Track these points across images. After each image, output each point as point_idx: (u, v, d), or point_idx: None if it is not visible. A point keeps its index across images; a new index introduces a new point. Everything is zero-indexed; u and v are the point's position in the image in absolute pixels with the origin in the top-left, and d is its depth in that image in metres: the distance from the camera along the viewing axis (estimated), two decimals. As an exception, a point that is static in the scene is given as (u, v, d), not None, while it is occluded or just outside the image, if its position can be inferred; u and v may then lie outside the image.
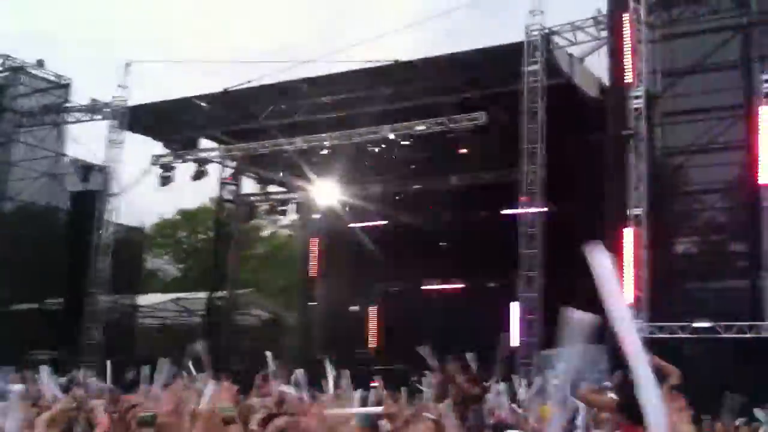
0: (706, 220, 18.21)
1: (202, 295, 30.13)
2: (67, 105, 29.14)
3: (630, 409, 4.23)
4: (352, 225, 27.93)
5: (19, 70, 28.95)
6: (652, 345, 16.28)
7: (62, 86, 29.46)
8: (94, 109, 28.27)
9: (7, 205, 28.79)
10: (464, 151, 24.39)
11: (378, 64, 23.01)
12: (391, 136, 22.93)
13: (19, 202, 28.93)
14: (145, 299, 30.79)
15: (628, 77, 18.09)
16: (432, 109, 22.82)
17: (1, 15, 58.92)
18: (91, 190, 27.95)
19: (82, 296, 25.76)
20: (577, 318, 2.25)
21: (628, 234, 16.94)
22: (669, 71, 18.42)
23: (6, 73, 29.11)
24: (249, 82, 24.63)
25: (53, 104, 29.26)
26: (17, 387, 5.21)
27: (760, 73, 16.97)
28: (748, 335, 15.58)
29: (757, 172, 16.32)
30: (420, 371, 11.93)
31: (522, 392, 11.01)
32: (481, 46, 21.61)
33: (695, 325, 15.99)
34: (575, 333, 2.33)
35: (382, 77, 23.29)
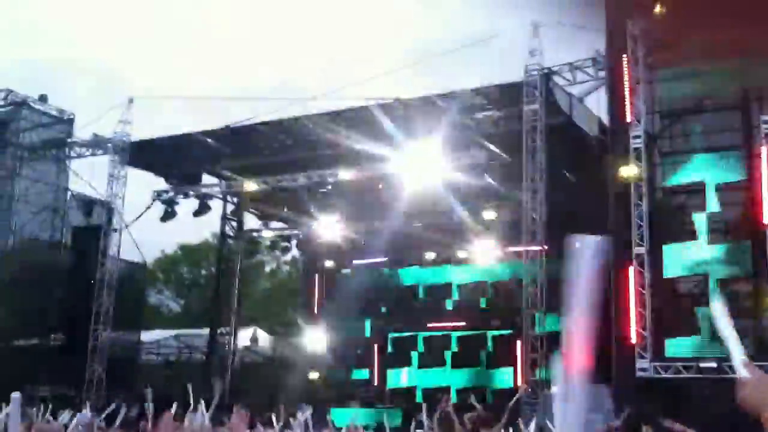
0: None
1: (204, 331, 30.08)
2: (70, 140, 29.29)
3: None
4: (356, 261, 27.96)
5: (21, 104, 29.14)
6: (658, 384, 16.31)
7: (65, 121, 29.64)
8: (96, 143, 28.38)
9: (10, 239, 28.82)
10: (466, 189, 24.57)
11: (380, 101, 23.23)
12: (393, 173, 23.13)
13: (21, 237, 28.97)
14: (147, 335, 30.70)
15: (627, 117, 18.28)
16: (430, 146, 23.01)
17: (3, 48, 59.42)
18: (93, 225, 28.00)
19: (85, 332, 25.69)
20: (584, 241, 2.39)
21: (632, 273, 17.00)
22: (667, 111, 18.58)
23: (8, 108, 29.28)
24: (250, 118, 24.91)
25: (56, 139, 29.41)
26: (17, 394, 5.22)
27: (758, 113, 17.11)
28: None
29: (759, 212, 16.42)
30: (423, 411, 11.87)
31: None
32: (479, 85, 21.87)
33: (702, 365, 15.97)
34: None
35: (384, 114, 23.48)
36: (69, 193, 29.59)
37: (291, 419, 10.42)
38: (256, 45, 72.41)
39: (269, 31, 72.35)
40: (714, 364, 15.82)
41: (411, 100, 22.89)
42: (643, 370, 16.17)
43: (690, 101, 18.23)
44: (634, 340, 16.71)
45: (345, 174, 24.20)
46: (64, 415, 11.77)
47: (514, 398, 10.21)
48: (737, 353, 2.43)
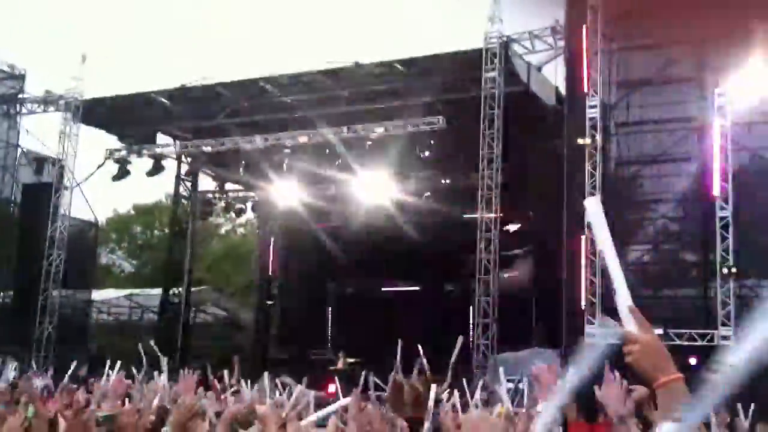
0: (659, 229, 18.61)
1: (157, 291, 29.92)
2: (21, 96, 28.68)
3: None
4: (311, 225, 27.93)
5: (-30, 59, 28.42)
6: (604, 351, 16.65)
7: (17, 77, 28.99)
8: (48, 100, 27.87)
9: (-43, 196, 28.26)
10: (425, 154, 24.70)
11: (339, 65, 23.13)
12: (349, 137, 23.09)
13: (-30, 194, 28.41)
14: (98, 294, 30.43)
15: (585, 87, 18.45)
16: (391, 111, 23.05)
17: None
18: (44, 182, 27.56)
19: (34, 290, 25.38)
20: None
21: (584, 241, 17.27)
22: (624, 83, 18.78)
23: (-43, 63, 28.56)
24: (206, 78, 24.63)
25: (7, 95, 28.76)
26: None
27: (713, 86, 17.38)
28: (699, 343, 15.99)
29: (709, 184, 16.76)
30: (376, 372, 11.98)
31: (477, 395, 11.13)
32: (440, 51, 21.88)
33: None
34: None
35: (342, 78, 23.40)
36: (19, 149, 29.02)
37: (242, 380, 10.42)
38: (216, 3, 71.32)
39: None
40: (660, 331, 16.20)
41: (370, 65, 22.79)
42: (591, 335, 16.50)
43: (647, 73, 18.44)
44: (583, 306, 17.05)
45: (302, 137, 24.10)
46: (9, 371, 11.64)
47: (453, 354, 10.34)
48: (622, 295, 2.25)
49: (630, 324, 2.24)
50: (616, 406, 3.55)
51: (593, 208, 2.41)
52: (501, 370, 7.94)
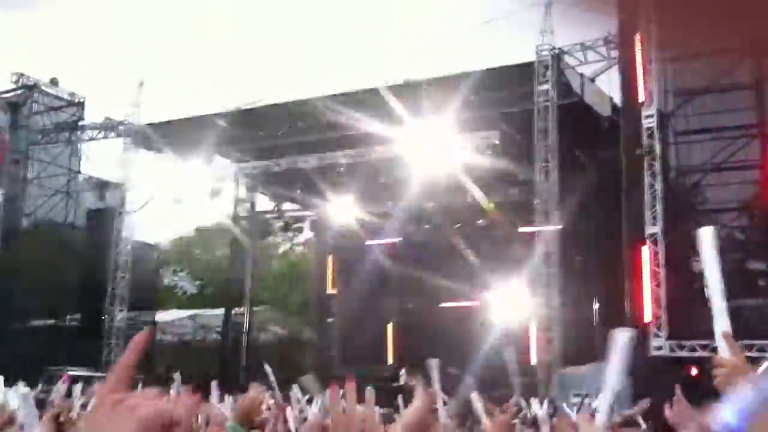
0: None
1: (219, 311, 30.30)
2: (81, 123, 29.43)
3: None
4: (368, 242, 28.02)
5: (33, 88, 29.30)
6: (673, 363, 16.35)
7: (76, 104, 29.79)
8: (107, 127, 28.57)
9: (24, 222, 29.07)
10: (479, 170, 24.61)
11: (391, 83, 23.24)
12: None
13: (36, 220, 29.21)
14: (162, 316, 30.93)
15: (640, 97, 18.25)
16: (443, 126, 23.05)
17: (16, 33, 59.58)
18: (106, 207, 28.22)
19: (99, 313, 25.94)
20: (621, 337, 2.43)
21: (645, 252, 17.04)
22: (680, 91, 18.53)
23: (20, 91, 29.46)
24: (261, 100, 25.03)
25: (67, 122, 29.57)
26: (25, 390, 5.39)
27: (772, 92, 17.07)
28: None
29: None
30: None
31: (540, 412, 11.05)
32: (492, 66, 21.85)
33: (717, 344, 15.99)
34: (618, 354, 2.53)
35: (395, 95, 23.49)
36: (81, 176, 29.78)
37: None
38: (267, 27, 72.32)
39: (281, 15, 72.21)
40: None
41: (422, 81, 22.87)
42: (658, 348, 16.23)
43: (703, 81, 18.17)
44: (648, 318, 16.76)
45: (357, 156, 24.25)
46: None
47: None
48: (720, 321, 2.44)
49: (723, 349, 2.43)
50: (689, 426, 3.51)
51: (707, 238, 2.51)
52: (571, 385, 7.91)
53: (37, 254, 27.90)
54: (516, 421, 9.70)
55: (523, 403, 10.99)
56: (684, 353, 16.20)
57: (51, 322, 27.43)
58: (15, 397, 5.59)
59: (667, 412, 3.61)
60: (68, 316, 27.48)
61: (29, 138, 29.22)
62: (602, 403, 2.74)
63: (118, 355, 25.16)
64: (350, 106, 24.35)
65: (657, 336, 16.63)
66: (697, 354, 16.11)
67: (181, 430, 1.32)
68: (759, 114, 17.41)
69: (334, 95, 24.14)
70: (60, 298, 27.16)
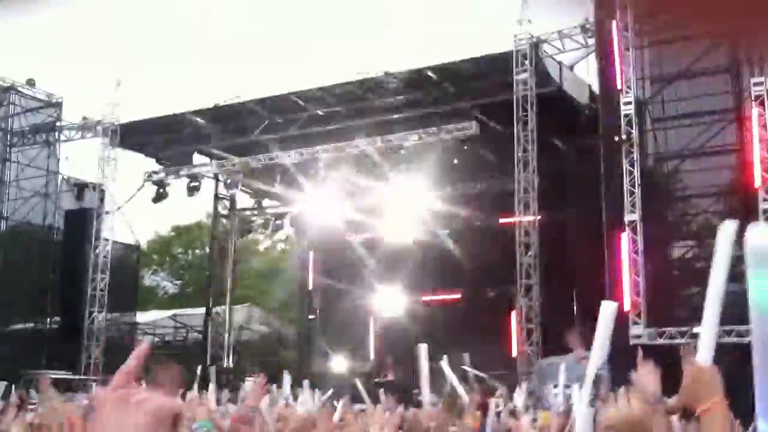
0: (702, 224, 18.29)
1: (200, 311, 30.12)
2: (59, 124, 29.10)
3: None
4: (348, 237, 27.93)
5: (9, 89, 28.92)
6: (651, 351, 16.36)
7: (54, 105, 29.44)
8: (85, 127, 28.27)
9: (2, 225, 28.74)
10: (457, 161, 24.57)
11: (369, 75, 23.14)
12: (382, 147, 23.08)
13: (13, 222, 28.87)
14: (143, 316, 30.72)
15: (618, 84, 18.24)
16: (423, 119, 22.99)
17: (-10, 35, 58.84)
18: (85, 208, 27.94)
19: (80, 315, 25.71)
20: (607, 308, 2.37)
21: (624, 240, 17.04)
22: (658, 77, 18.52)
23: (-4, 93, 29.07)
24: (238, 96, 24.84)
25: (45, 123, 29.23)
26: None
27: (749, 76, 17.08)
28: (747, 339, 15.63)
29: (750, 176, 16.45)
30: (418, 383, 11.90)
31: (520, 401, 11.03)
32: (469, 56, 21.78)
33: (695, 330, 16.03)
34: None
35: (372, 88, 23.42)
36: (60, 177, 29.45)
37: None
38: (243, 24, 71.93)
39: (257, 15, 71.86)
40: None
41: (399, 73, 22.78)
42: (637, 336, 16.23)
43: (680, 66, 18.17)
44: (627, 307, 16.74)
45: (336, 149, 24.13)
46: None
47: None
48: (707, 322, 2.30)
49: (703, 351, 2.30)
50: (651, 386, 3.50)
51: (729, 233, 2.29)
52: (560, 373, 7.87)
53: (16, 256, 27.63)
54: (500, 409, 9.68)
55: (506, 393, 10.97)
56: (663, 340, 16.20)
57: (30, 325, 27.16)
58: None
59: (633, 375, 3.59)
60: (48, 319, 27.22)
61: (6, 140, 28.86)
62: (588, 373, 2.69)
63: (98, 358, 25.06)
64: (328, 99, 24.26)
65: (636, 324, 16.63)
66: (677, 341, 16.13)
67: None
68: (735, 98, 17.44)
69: (311, 89, 24.01)
70: (39, 300, 26.92)
